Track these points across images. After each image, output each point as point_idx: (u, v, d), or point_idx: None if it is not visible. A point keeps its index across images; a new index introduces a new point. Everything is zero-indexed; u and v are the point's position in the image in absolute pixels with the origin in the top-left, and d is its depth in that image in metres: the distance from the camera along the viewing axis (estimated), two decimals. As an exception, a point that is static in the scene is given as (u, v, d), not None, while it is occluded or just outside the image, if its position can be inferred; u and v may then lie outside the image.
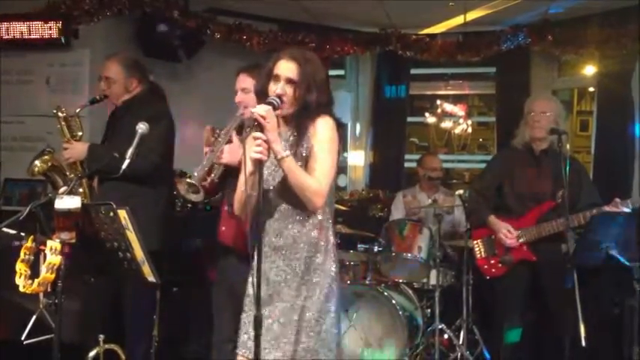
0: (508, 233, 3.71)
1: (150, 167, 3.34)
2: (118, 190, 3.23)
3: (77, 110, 3.65)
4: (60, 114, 3.64)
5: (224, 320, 2.98)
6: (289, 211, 2.33)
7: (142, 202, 3.21)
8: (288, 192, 2.30)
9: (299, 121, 2.34)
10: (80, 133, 3.66)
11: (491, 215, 3.80)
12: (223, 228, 2.96)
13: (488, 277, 3.87)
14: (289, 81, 2.30)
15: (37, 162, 3.67)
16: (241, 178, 2.38)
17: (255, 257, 2.10)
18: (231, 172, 2.83)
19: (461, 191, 4.86)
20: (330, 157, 2.30)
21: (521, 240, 3.70)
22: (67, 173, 3.58)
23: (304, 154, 2.31)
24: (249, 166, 2.22)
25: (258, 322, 2.00)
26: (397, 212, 5.17)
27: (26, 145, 5.06)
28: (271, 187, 2.35)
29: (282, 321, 2.29)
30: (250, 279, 2.35)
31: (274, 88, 2.30)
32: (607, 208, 3.52)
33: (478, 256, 3.91)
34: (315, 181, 2.26)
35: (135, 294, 3.36)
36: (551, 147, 3.69)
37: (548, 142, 3.70)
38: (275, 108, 2.23)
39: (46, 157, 3.69)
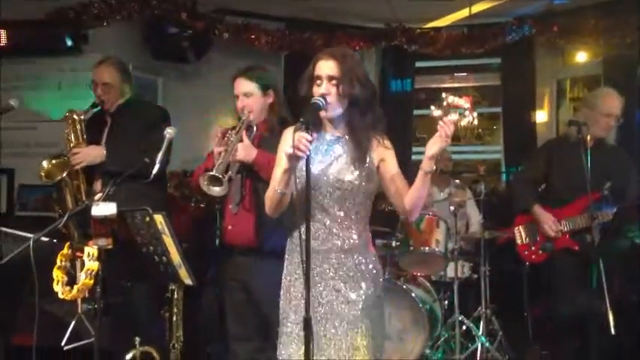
0: (553, 225, 3.73)
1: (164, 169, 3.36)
2: (126, 190, 3.09)
3: (82, 116, 3.63)
4: (75, 117, 3.63)
5: (238, 319, 2.99)
6: (340, 217, 2.33)
7: (150, 202, 3.09)
8: (341, 198, 2.31)
9: (352, 122, 2.34)
10: (84, 137, 3.62)
11: (537, 204, 3.79)
12: (230, 227, 2.96)
13: (527, 263, 3.89)
14: (331, 79, 2.28)
15: (44, 162, 3.63)
16: (274, 176, 2.38)
17: (304, 259, 2.09)
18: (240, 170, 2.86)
19: (479, 185, 4.84)
20: None
21: (565, 229, 3.72)
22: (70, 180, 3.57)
23: (368, 166, 2.35)
24: (285, 163, 2.23)
25: (308, 324, 2.02)
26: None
27: (39, 151, 5.03)
28: (322, 191, 2.33)
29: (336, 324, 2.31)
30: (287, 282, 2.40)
31: (318, 90, 2.29)
32: None
33: (519, 242, 3.93)
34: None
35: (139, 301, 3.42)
36: (604, 139, 3.67)
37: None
38: (320, 109, 2.25)
39: (57, 160, 3.65)
